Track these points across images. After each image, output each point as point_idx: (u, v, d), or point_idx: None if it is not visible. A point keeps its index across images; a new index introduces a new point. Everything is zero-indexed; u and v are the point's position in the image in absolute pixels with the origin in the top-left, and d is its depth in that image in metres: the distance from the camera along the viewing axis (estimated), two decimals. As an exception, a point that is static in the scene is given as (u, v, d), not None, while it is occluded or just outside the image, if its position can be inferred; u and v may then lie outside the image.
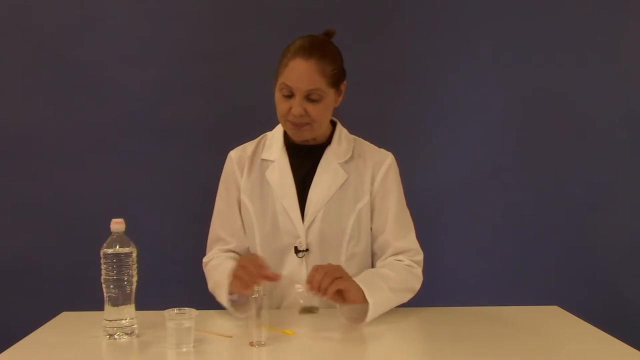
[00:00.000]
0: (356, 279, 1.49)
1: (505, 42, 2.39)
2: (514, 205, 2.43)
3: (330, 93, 1.59)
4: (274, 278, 1.41)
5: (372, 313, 1.46)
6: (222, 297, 1.52)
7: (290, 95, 1.57)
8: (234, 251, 1.68)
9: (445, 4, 2.39)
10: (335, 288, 1.41)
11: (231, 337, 1.38)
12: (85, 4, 2.31)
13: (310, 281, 1.41)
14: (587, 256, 2.44)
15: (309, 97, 1.56)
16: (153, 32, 2.33)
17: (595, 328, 1.48)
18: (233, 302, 1.51)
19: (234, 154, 1.73)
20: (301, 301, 1.50)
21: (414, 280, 1.63)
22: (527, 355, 1.30)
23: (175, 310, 1.32)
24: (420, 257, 1.68)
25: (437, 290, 2.42)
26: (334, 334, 1.42)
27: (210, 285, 1.62)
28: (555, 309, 1.66)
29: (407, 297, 1.60)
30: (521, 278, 2.43)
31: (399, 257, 1.65)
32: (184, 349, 1.29)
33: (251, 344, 1.33)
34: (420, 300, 1.65)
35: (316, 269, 1.44)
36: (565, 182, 2.43)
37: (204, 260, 1.70)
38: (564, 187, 2.43)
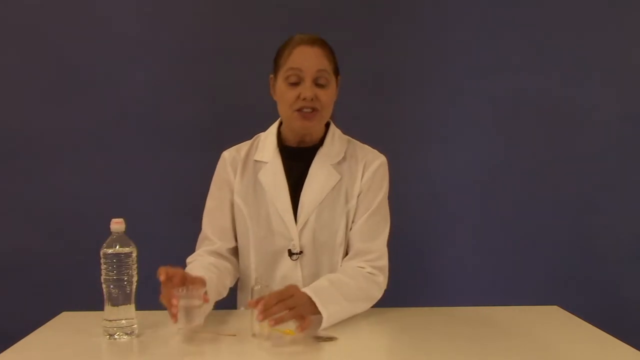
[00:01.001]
0: (312, 291, 1.43)
1: (505, 43, 2.39)
2: (513, 205, 2.43)
3: (333, 81, 1.60)
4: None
5: (325, 325, 1.43)
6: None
7: (297, 83, 1.56)
8: (218, 252, 1.65)
9: (445, 4, 2.39)
10: (291, 318, 1.34)
11: (235, 335, 1.38)
12: (85, 4, 2.31)
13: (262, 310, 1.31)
14: (587, 256, 2.44)
15: (317, 82, 1.56)
16: (152, 32, 2.33)
17: (595, 328, 1.48)
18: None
19: (227, 155, 1.71)
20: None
21: (374, 289, 1.58)
22: (526, 356, 1.30)
23: (185, 290, 1.32)
24: (383, 262, 1.61)
25: (436, 290, 2.43)
26: (334, 334, 1.41)
27: None
28: (555, 309, 1.66)
29: (365, 306, 1.56)
30: (521, 278, 2.43)
31: (361, 262, 1.60)
32: (195, 324, 1.32)
33: (253, 335, 1.35)
34: (420, 300, 1.64)
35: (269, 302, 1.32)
36: (565, 182, 2.43)
37: (187, 260, 1.65)
38: (564, 187, 2.43)
